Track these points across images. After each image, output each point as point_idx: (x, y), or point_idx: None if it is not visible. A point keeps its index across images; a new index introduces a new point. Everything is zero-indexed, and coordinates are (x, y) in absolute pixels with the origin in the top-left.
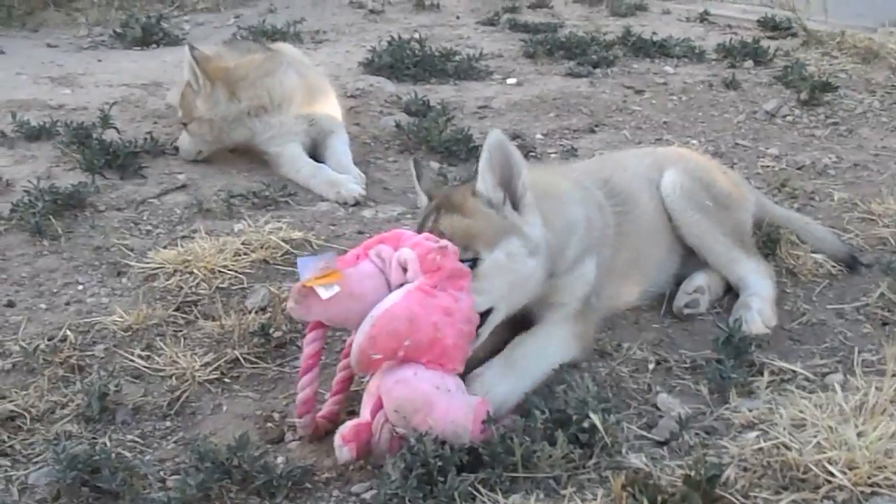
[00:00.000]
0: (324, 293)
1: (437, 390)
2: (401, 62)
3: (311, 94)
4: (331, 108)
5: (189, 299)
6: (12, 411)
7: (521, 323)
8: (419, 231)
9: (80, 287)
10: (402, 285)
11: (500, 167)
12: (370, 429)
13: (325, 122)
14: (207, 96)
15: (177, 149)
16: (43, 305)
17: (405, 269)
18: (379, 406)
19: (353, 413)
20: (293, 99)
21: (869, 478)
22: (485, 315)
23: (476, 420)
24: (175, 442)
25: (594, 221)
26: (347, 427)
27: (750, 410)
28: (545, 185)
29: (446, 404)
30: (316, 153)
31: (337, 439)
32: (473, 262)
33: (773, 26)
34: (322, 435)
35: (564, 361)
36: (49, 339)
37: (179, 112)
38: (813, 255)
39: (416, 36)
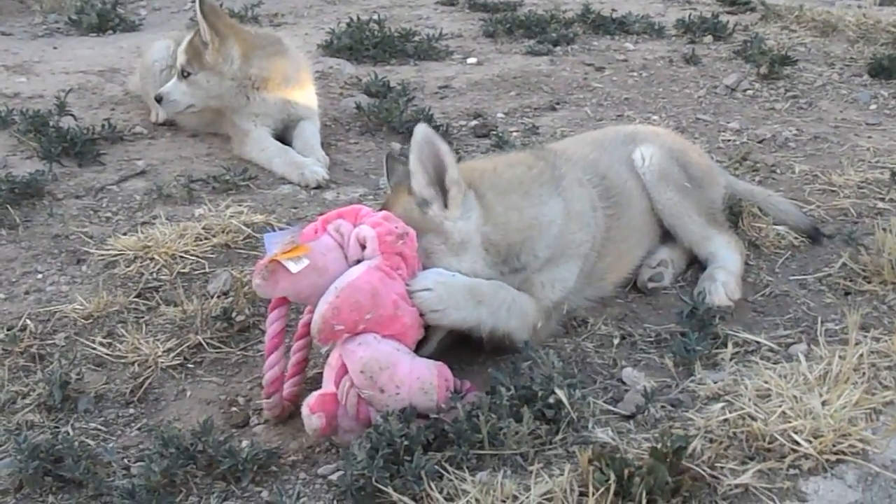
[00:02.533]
0: (293, 267)
1: (399, 352)
2: (360, 44)
3: (300, 81)
4: (309, 97)
5: (150, 285)
6: None
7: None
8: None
9: (40, 276)
10: (359, 261)
11: (430, 163)
12: (336, 399)
13: (301, 111)
14: (217, 50)
15: (134, 135)
16: (2, 295)
17: (363, 246)
18: (342, 374)
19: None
20: (288, 83)
21: (834, 446)
22: None
23: (440, 378)
24: (139, 429)
25: (585, 219)
26: (313, 397)
27: (715, 382)
28: (510, 180)
29: (410, 363)
30: (284, 137)
31: (304, 409)
32: None
33: (731, 1)
34: (286, 417)
35: (514, 331)
36: (8, 329)
37: (181, 59)
38: (775, 227)
39: (375, 17)
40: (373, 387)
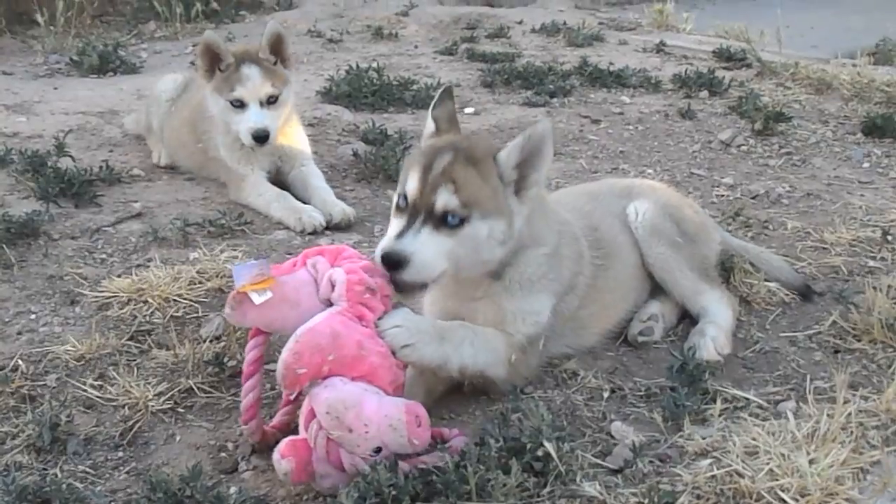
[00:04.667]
0: (257, 298)
1: (366, 392)
2: (359, 91)
3: (294, 125)
4: (301, 140)
5: (143, 328)
6: None
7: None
8: (425, 165)
9: (33, 316)
10: (328, 301)
11: (529, 153)
12: (307, 445)
13: (295, 156)
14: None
15: (131, 177)
16: None
17: (334, 287)
18: (311, 418)
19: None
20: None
21: None
22: None
23: (410, 414)
24: (127, 472)
25: (566, 262)
26: (284, 443)
27: (703, 438)
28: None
29: (377, 401)
30: (275, 181)
31: (275, 455)
32: (461, 221)
33: (728, 57)
34: (272, 444)
35: (486, 367)
36: (0, 369)
37: (266, 89)
38: (767, 283)
39: (374, 65)
40: (340, 427)
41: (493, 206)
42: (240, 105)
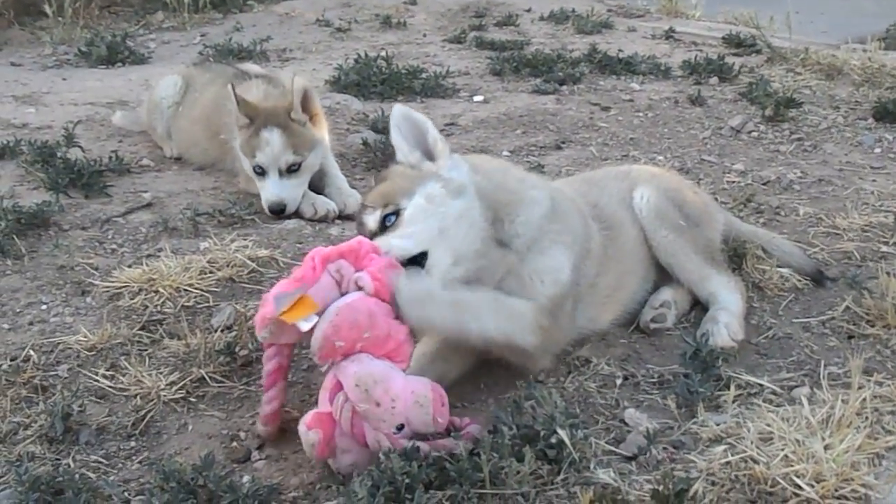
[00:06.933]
0: (304, 325)
1: (392, 369)
2: (368, 80)
3: (320, 123)
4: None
5: (154, 318)
6: None
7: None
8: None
9: (44, 307)
10: None
11: (410, 134)
12: (331, 419)
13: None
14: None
15: (140, 167)
16: (6, 325)
17: (360, 288)
18: (336, 391)
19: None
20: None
21: (836, 490)
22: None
23: (435, 392)
24: (140, 462)
25: (571, 216)
26: (308, 416)
27: (717, 424)
28: (494, 164)
29: (404, 378)
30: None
31: (301, 427)
32: (397, 214)
33: (737, 43)
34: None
35: (513, 334)
36: (12, 360)
37: (287, 157)
38: (779, 269)
39: (383, 54)
40: (369, 400)
41: (409, 184)
42: (261, 171)
